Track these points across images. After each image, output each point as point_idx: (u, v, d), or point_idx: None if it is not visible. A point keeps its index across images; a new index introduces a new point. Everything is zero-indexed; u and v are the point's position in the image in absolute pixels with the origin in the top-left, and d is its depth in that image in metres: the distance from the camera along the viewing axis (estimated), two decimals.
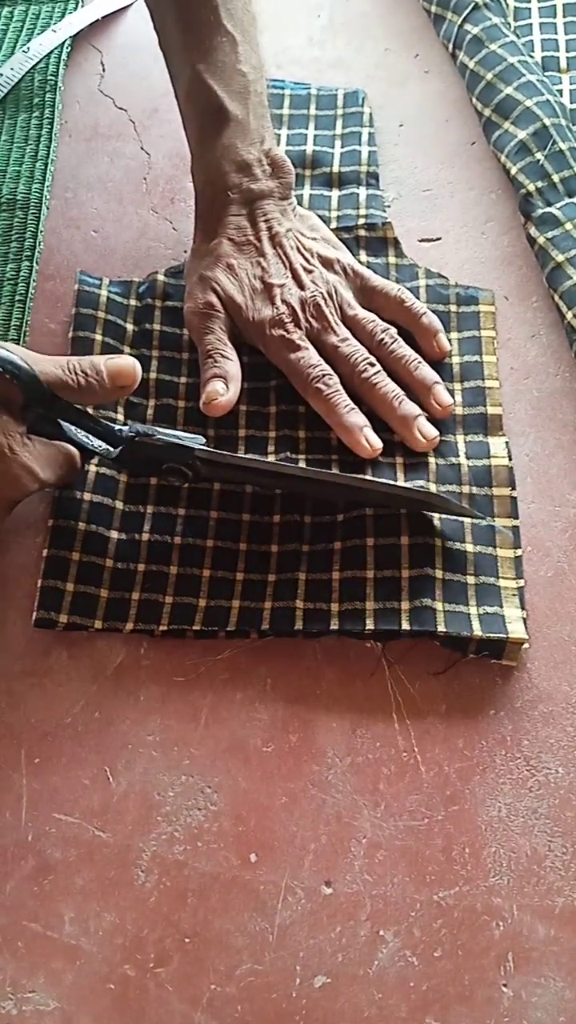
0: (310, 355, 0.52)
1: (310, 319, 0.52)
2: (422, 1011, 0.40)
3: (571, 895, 0.41)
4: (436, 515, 0.48)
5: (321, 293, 0.53)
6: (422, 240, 0.58)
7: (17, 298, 0.56)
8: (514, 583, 0.47)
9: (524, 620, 0.46)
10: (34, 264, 0.57)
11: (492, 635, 0.45)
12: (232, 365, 0.52)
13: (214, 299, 0.53)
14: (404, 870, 0.42)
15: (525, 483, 0.50)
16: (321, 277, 0.54)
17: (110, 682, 0.46)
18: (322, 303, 0.53)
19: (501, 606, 0.46)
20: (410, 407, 0.51)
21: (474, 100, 0.61)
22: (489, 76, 0.60)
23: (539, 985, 0.40)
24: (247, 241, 0.54)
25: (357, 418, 0.51)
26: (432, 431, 0.51)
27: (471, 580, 0.47)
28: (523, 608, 0.46)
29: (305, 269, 0.54)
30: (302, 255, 0.54)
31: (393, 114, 0.63)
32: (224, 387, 0.50)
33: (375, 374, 0.52)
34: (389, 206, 0.59)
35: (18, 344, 0.54)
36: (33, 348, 0.54)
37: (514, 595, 0.47)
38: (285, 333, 0.52)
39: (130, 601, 0.47)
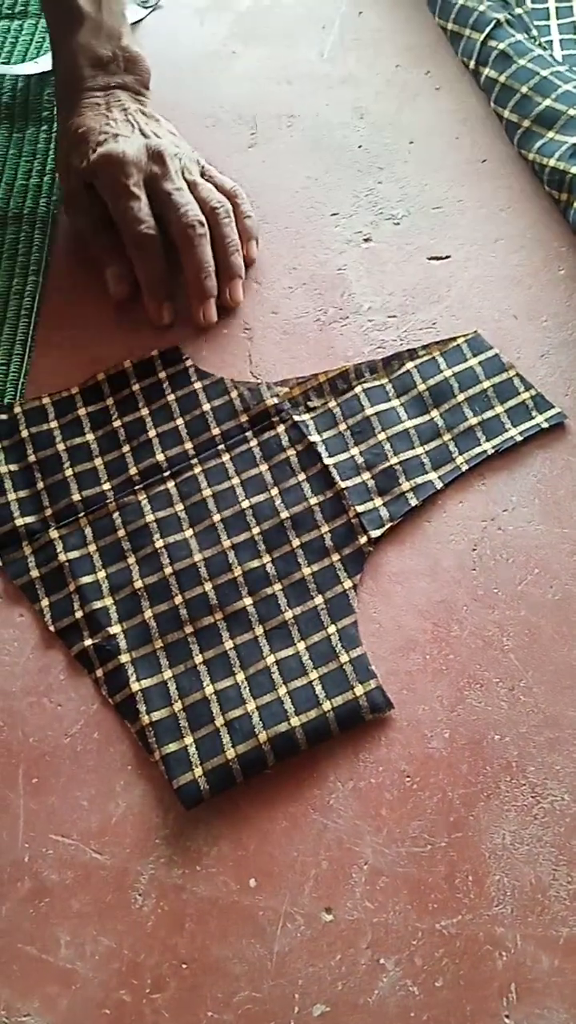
0: (140, 206, 0.53)
1: (151, 164, 0.54)
2: None
3: None
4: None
5: (166, 146, 0.55)
6: (431, 258, 0.58)
7: (23, 312, 0.56)
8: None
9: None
10: (40, 279, 0.57)
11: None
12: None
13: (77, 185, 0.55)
14: (406, 897, 0.41)
15: (533, 504, 0.50)
16: (170, 139, 0.56)
17: (110, 702, 0.46)
18: (166, 154, 0.54)
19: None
20: (212, 284, 0.54)
21: (506, 113, 0.60)
22: (524, 89, 0.60)
23: (542, 1017, 0.39)
24: (100, 114, 0.56)
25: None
26: (213, 317, 0.54)
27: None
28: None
29: (154, 133, 0.56)
30: (152, 128, 0.56)
31: (403, 131, 0.63)
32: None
33: (200, 236, 0.54)
34: (399, 223, 0.58)
35: (24, 359, 0.54)
36: (39, 362, 0.54)
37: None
38: (123, 177, 0.53)
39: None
